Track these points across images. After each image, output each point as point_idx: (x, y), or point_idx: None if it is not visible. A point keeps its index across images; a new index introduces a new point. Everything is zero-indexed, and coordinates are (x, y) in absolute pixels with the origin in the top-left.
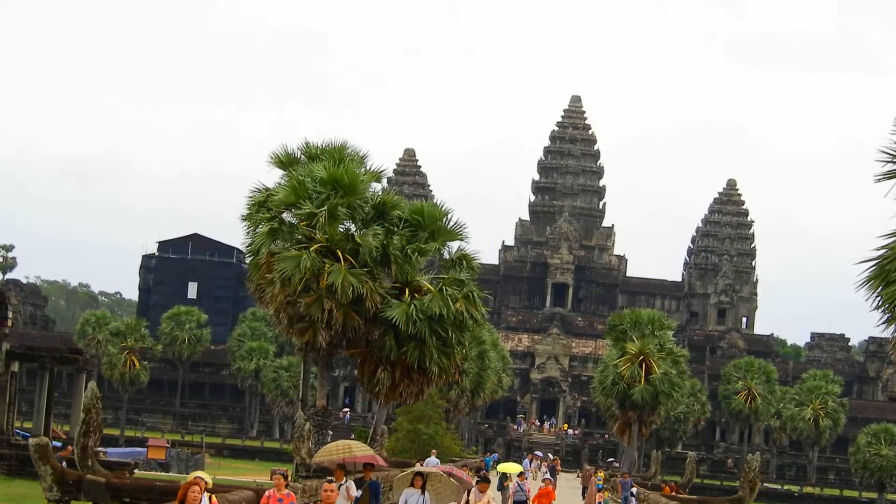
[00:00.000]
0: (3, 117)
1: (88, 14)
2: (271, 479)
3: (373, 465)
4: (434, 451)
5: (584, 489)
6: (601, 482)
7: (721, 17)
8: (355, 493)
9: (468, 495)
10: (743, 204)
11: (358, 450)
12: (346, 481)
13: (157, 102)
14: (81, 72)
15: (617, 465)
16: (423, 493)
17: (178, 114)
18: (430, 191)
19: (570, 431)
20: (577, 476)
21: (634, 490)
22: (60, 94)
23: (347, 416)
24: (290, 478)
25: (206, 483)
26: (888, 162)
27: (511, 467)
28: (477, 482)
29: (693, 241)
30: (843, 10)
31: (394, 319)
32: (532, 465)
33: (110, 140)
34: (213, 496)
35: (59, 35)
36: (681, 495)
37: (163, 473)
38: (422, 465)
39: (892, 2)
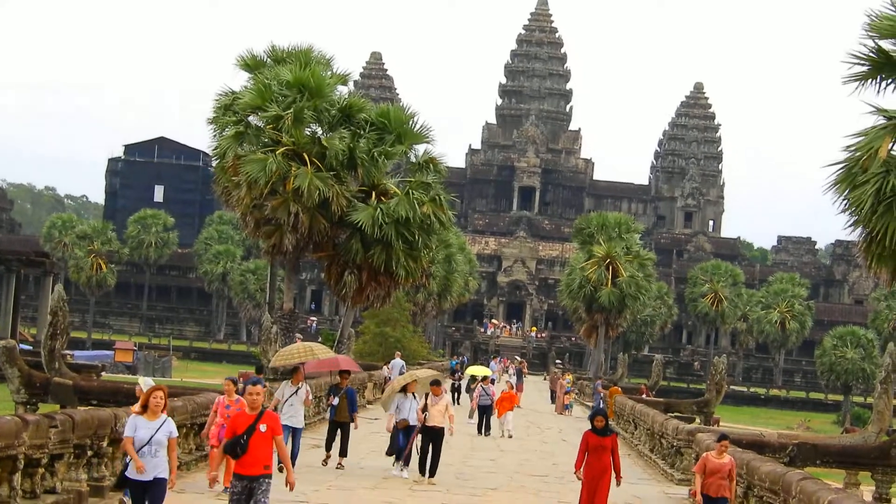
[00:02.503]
0: None
1: None
2: (238, 382)
3: (349, 371)
4: (398, 352)
5: (552, 393)
6: (570, 385)
7: None
8: (335, 401)
9: (425, 399)
10: (710, 107)
11: (321, 352)
12: (302, 385)
13: (127, 16)
14: None
15: (560, 365)
16: (415, 397)
17: (143, 20)
18: (397, 94)
19: (535, 335)
20: (545, 378)
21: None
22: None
23: (314, 325)
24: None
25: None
26: (855, 64)
27: (479, 370)
28: (432, 384)
29: (660, 144)
30: None
31: (360, 223)
32: (498, 367)
33: (80, 51)
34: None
35: None
36: (648, 397)
37: (130, 376)
38: (388, 367)
39: None
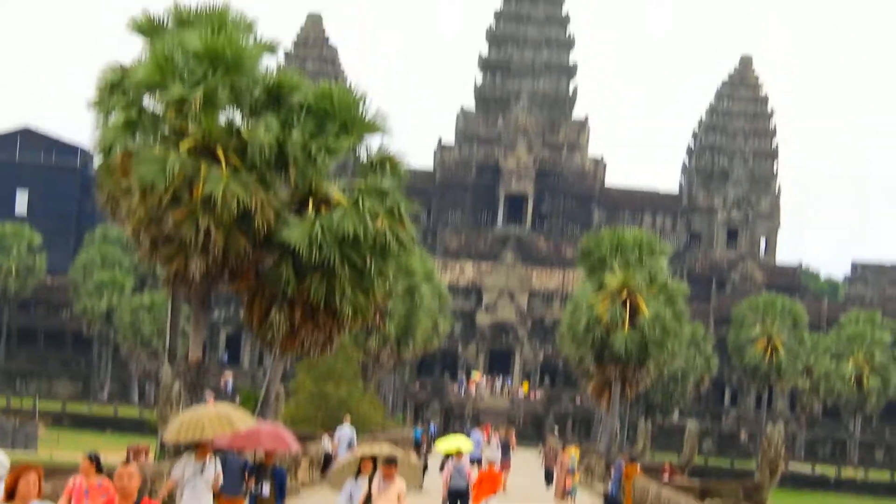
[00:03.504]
0: None
1: None
2: (127, 460)
3: (273, 449)
4: (348, 415)
5: (548, 472)
6: (575, 462)
7: None
8: (265, 490)
9: (369, 485)
10: (761, 88)
11: (239, 421)
12: (210, 461)
13: None
14: None
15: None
16: (369, 479)
17: None
18: (342, 70)
19: (526, 394)
20: (540, 453)
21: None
22: None
23: (230, 383)
24: (150, 457)
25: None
26: None
27: (457, 443)
28: (385, 462)
29: (694, 137)
30: None
31: (293, 242)
32: (484, 438)
33: None
34: None
35: None
36: (677, 478)
37: None
38: (330, 437)
39: None
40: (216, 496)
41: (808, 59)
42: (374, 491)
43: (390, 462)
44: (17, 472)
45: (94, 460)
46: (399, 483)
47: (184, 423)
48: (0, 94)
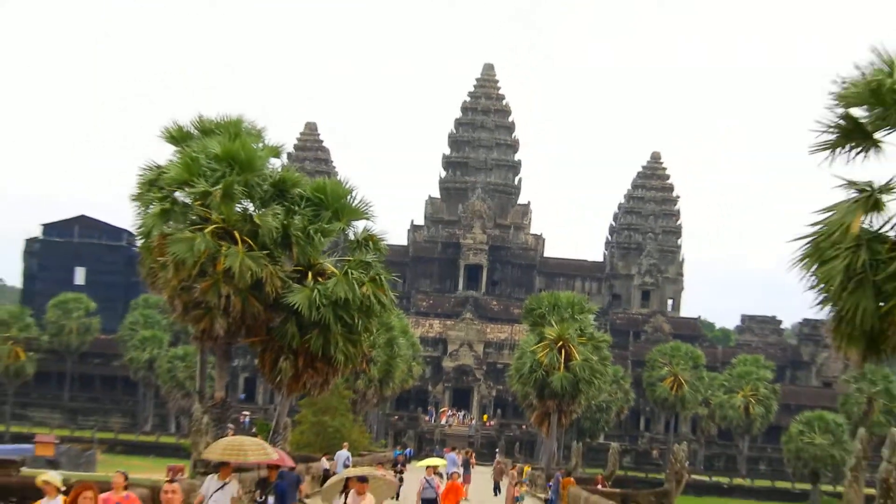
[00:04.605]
0: None
1: None
2: (166, 477)
3: (278, 465)
4: (346, 444)
5: (496, 484)
6: (525, 476)
7: None
8: (262, 498)
9: (344, 498)
10: (668, 178)
11: (253, 453)
12: (231, 480)
13: (45, 86)
14: None
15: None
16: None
17: (62, 90)
18: (334, 167)
19: (486, 423)
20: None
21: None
22: None
23: (248, 419)
24: (185, 475)
25: (56, 485)
26: (822, 132)
27: (435, 462)
28: (356, 480)
29: (615, 218)
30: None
31: (296, 305)
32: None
33: None
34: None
35: None
36: (604, 488)
37: (52, 471)
38: (328, 459)
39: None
40: None
41: (706, 156)
42: (348, 503)
43: (362, 480)
44: (77, 490)
45: (125, 477)
46: (369, 497)
47: (228, 446)
48: (62, 190)
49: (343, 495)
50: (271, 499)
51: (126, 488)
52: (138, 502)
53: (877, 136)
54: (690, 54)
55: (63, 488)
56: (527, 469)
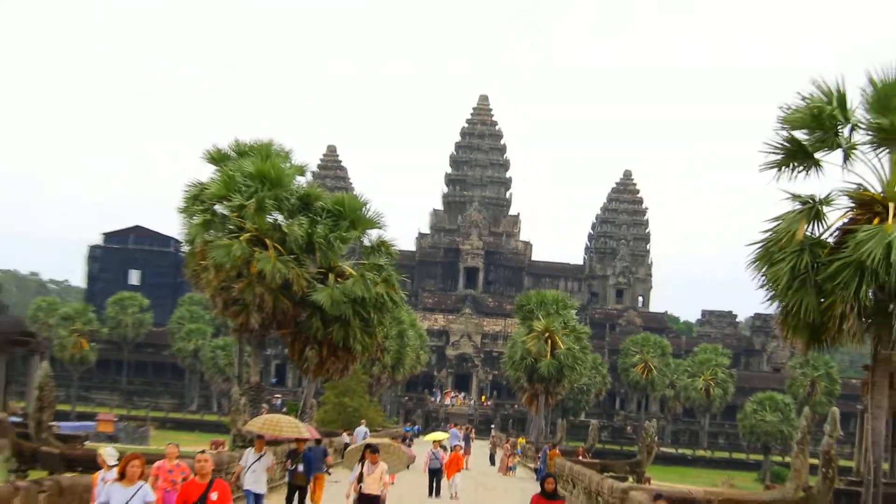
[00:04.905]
0: None
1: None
2: (210, 449)
3: (305, 439)
4: (363, 420)
5: (491, 456)
6: (518, 447)
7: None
8: (293, 466)
9: (360, 467)
10: (638, 192)
11: (287, 428)
12: (266, 452)
13: (103, 115)
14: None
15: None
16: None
17: (118, 117)
18: (351, 183)
19: (483, 403)
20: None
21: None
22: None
23: (279, 401)
24: (226, 448)
25: (108, 461)
26: (770, 153)
27: (440, 436)
28: (370, 451)
29: (593, 227)
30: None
31: (320, 302)
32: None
33: (62, 147)
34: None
35: None
36: (584, 459)
37: (112, 445)
38: (349, 434)
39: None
40: (308, 472)
41: (672, 169)
42: (364, 471)
43: (374, 450)
44: (126, 459)
45: (177, 448)
46: (382, 465)
47: (267, 421)
48: (120, 205)
49: (360, 462)
50: (300, 466)
51: (177, 458)
52: (187, 469)
53: (817, 156)
54: (655, 85)
55: (113, 463)
56: (521, 441)
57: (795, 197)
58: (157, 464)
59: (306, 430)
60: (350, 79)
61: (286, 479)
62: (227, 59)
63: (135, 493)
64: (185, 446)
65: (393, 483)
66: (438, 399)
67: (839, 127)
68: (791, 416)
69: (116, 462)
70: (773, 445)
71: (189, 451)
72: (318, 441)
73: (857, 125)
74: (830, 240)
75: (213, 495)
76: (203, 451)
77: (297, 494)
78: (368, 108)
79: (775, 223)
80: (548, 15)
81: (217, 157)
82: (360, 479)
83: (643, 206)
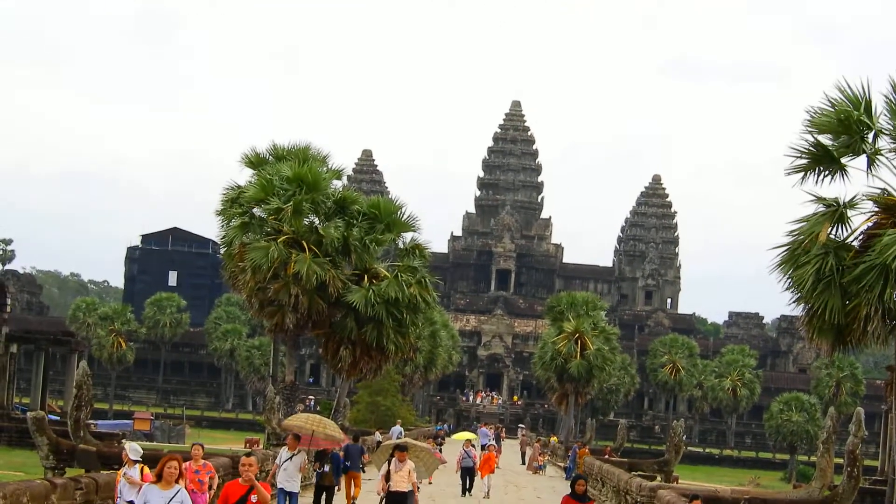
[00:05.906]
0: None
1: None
2: (245, 447)
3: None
4: (399, 420)
5: (523, 454)
6: (555, 446)
7: (649, 37)
8: (320, 468)
9: (388, 465)
10: (667, 196)
11: (331, 427)
12: (299, 451)
13: (145, 119)
14: (70, 83)
15: (524, 429)
16: (388, 461)
17: (158, 121)
18: (386, 187)
19: (514, 403)
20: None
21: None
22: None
23: (313, 402)
24: (260, 445)
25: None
26: (797, 157)
27: (468, 435)
28: (398, 450)
29: (622, 230)
30: (752, 32)
31: (354, 303)
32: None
33: (102, 149)
34: (146, 466)
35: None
36: (613, 458)
37: (147, 443)
38: (381, 433)
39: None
40: (346, 471)
41: (701, 175)
42: (391, 469)
43: (402, 449)
44: (164, 460)
45: (202, 448)
46: (409, 463)
47: (309, 417)
48: (158, 206)
49: (388, 461)
50: (327, 466)
51: (203, 458)
52: (213, 469)
53: (843, 160)
54: (682, 91)
55: (136, 458)
56: (553, 438)
57: (819, 200)
58: (184, 464)
59: (343, 438)
60: (385, 84)
61: (312, 480)
62: (265, 64)
63: (172, 498)
64: (220, 444)
65: (431, 483)
66: (470, 399)
67: (865, 132)
68: (816, 417)
69: (139, 458)
70: (799, 445)
71: (223, 448)
72: (355, 439)
73: (880, 131)
74: (855, 243)
75: (254, 498)
76: (250, 454)
77: (324, 495)
78: (404, 113)
79: (800, 226)
80: (578, 19)
81: (255, 161)
82: (387, 476)
83: (672, 209)
